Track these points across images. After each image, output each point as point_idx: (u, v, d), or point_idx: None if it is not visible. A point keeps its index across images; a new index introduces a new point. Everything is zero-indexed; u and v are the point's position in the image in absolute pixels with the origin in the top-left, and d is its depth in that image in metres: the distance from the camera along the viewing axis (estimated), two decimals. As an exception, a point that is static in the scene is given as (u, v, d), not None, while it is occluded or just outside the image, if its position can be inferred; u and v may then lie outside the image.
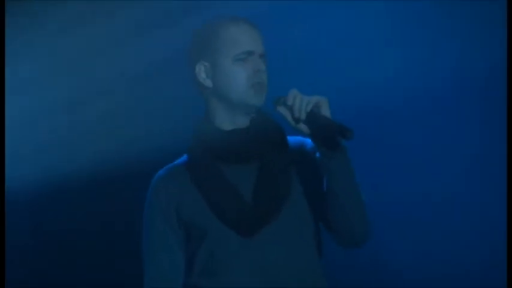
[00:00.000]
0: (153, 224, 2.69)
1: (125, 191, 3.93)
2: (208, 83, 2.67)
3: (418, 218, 4.10)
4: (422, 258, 4.11)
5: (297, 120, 2.58)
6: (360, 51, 4.06)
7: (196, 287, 2.63)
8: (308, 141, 2.69)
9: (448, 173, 4.10)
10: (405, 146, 4.11)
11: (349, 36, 4.07)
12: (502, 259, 3.70)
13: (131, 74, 3.91)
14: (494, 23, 3.98)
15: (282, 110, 2.60)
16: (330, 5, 4.03)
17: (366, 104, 4.04)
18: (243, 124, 2.67)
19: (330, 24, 4.07)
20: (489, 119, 4.07)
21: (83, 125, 3.97)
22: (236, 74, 2.63)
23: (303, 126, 2.58)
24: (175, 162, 2.75)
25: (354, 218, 2.60)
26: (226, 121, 2.68)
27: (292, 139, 2.72)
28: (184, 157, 2.73)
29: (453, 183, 4.09)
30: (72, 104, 3.93)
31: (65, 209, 4.03)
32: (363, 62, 4.06)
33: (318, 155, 2.60)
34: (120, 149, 3.91)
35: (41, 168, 3.95)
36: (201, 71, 2.68)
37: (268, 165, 2.63)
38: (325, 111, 2.56)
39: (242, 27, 2.67)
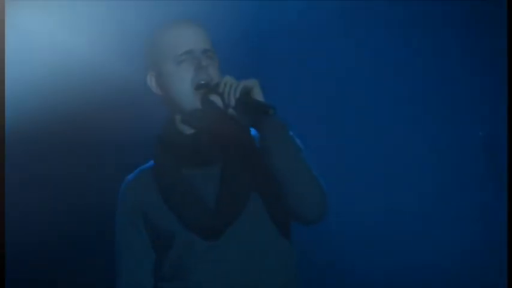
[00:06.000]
0: (121, 230, 2.70)
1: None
2: (159, 91, 2.66)
3: (420, 220, 4.12)
4: (424, 259, 4.13)
5: (227, 107, 2.53)
6: (360, 53, 4.08)
7: None
8: None
9: (449, 175, 4.11)
10: (404, 152, 4.13)
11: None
12: (502, 260, 3.71)
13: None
14: (495, 23, 3.98)
15: (214, 97, 2.57)
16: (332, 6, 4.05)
17: (364, 105, 4.05)
18: (204, 126, 2.63)
19: (330, 27, 4.08)
20: (489, 120, 4.07)
21: (86, 126, 3.98)
22: (179, 78, 2.61)
23: (234, 112, 2.53)
24: (144, 166, 2.73)
25: (304, 194, 2.51)
26: (187, 125, 2.66)
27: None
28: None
29: (455, 185, 4.10)
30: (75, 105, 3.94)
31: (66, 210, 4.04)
32: (362, 64, 4.08)
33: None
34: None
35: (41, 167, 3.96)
36: (152, 81, 2.67)
37: (230, 167, 2.61)
38: (257, 94, 2.52)
39: (178, 30, 2.64)
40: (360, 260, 4.12)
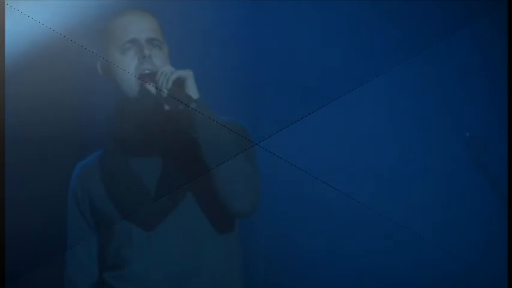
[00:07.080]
0: (71, 217, 2.74)
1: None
2: (107, 78, 2.69)
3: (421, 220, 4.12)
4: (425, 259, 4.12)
5: (160, 97, 2.53)
6: (358, 53, 4.07)
7: (104, 281, 2.63)
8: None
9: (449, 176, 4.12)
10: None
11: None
12: (502, 260, 3.70)
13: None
14: (494, 23, 3.98)
15: (150, 87, 2.56)
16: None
17: (364, 105, 4.05)
18: (143, 116, 2.64)
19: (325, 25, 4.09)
20: (489, 120, 4.07)
21: (87, 125, 3.99)
22: (123, 66, 2.63)
23: (166, 102, 2.54)
24: (96, 152, 2.78)
25: (230, 190, 2.54)
26: (133, 114, 2.66)
27: None
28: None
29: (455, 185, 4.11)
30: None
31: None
32: (361, 64, 4.07)
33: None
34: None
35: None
36: (101, 68, 2.67)
37: (170, 157, 2.62)
38: (189, 85, 2.52)
39: (124, 17, 2.68)
40: (359, 260, 4.11)
